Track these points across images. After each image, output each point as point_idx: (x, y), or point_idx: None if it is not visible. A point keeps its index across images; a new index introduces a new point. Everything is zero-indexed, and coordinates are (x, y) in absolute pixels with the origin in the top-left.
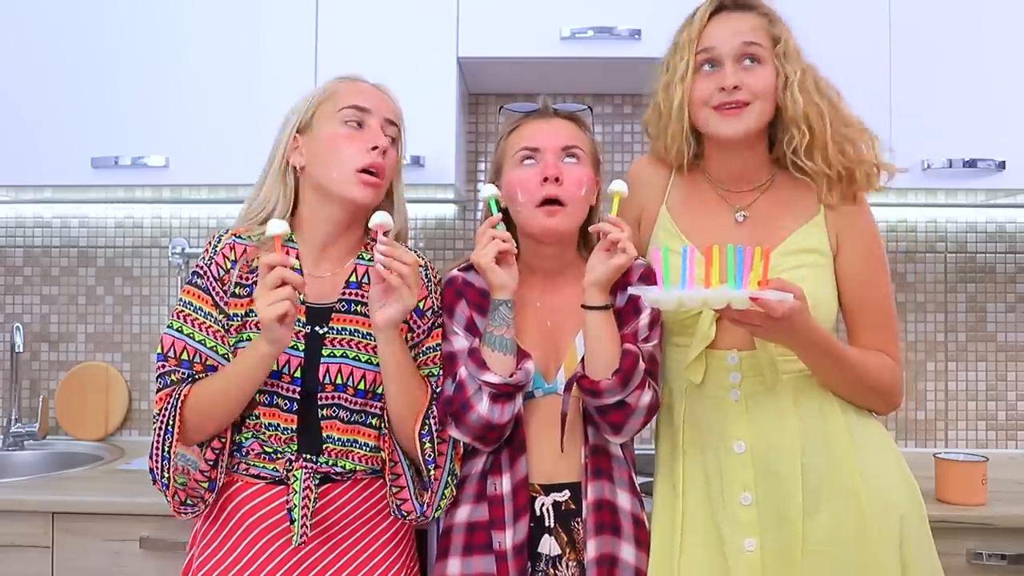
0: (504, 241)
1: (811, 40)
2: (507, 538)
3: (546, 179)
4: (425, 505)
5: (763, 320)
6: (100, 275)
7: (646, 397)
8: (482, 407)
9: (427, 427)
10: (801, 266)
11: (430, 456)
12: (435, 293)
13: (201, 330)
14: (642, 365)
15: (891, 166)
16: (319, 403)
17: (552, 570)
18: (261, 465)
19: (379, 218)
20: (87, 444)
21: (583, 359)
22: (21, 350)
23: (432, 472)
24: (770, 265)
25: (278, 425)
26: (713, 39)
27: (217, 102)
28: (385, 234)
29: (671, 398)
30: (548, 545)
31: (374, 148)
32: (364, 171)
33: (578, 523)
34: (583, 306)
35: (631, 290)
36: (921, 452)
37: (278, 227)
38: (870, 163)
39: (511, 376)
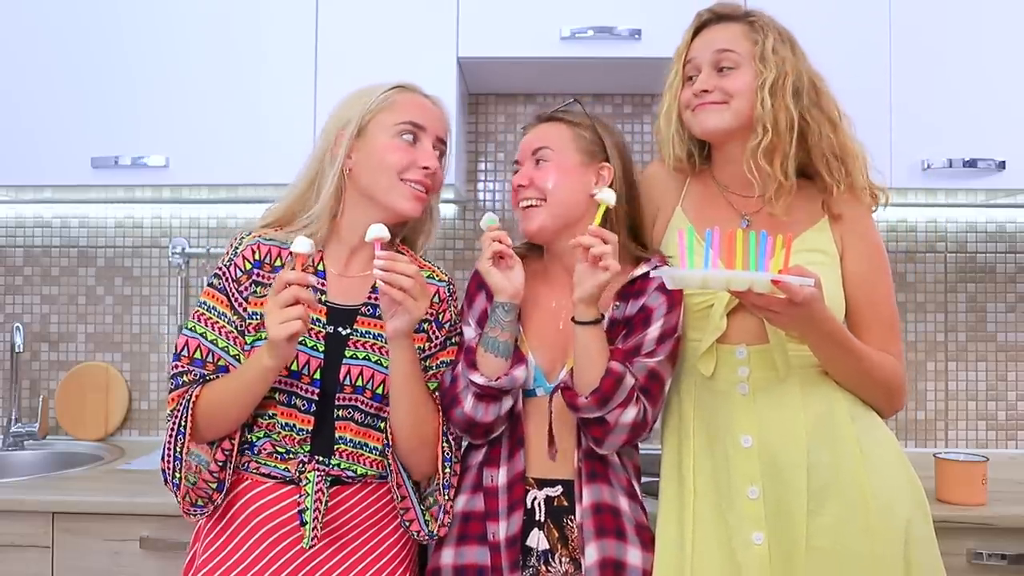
0: (500, 242)
1: (811, 40)
2: (500, 530)
3: (515, 189)
4: (434, 532)
5: (783, 306)
6: (100, 275)
7: (628, 415)
8: (467, 404)
9: (447, 451)
10: (810, 264)
11: (447, 481)
12: (455, 307)
13: (214, 330)
14: (628, 383)
15: (884, 189)
16: (336, 404)
17: (544, 566)
18: (272, 464)
19: (375, 231)
20: (87, 444)
21: (572, 369)
22: (21, 350)
23: (447, 499)
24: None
25: (294, 425)
26: (693, 51)
27: (217, 102)
28: (392, 247)
29: (679, 393)
30: (536, 539)
31: (424, 167)
32: (411, 184)
33: (571, 520)
34: (572, 320)
35: (653, 272)
36: (921, 452)
37: (304, 246)
38: (862, 187)
39: (496, 380)
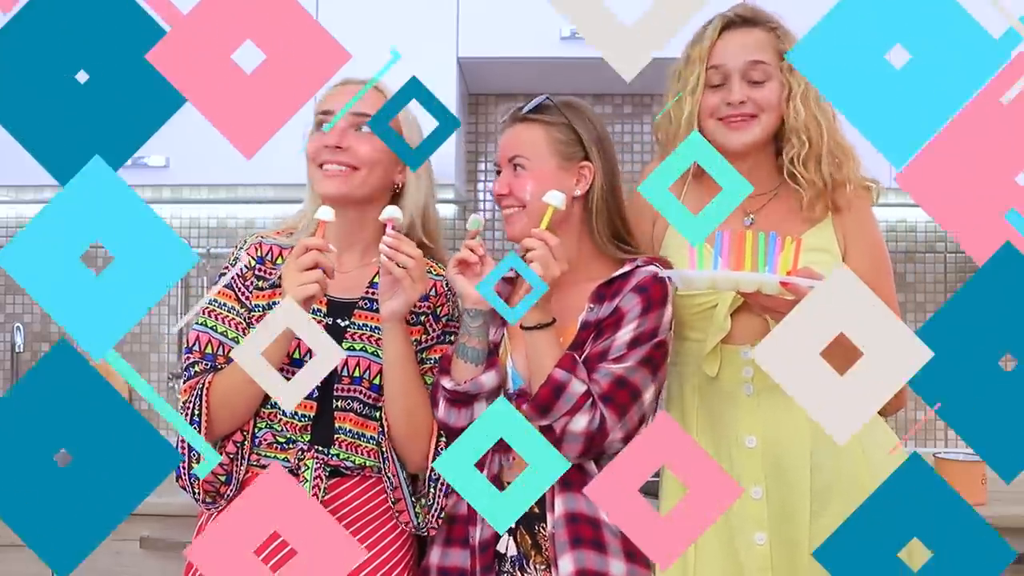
0: (473, 251)
1: None
2: (476, 533)
3: (496, 196)
4: (425, 525)
5: (791, 307)
6: None
7: (578, 424)
8: (440, 408)
9: (443, 447)
10: (814, 263)
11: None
12: (453, 302)
13: (223, 323)
14: (574, 391)
15: (876, 181)
16: (335, 394)
17: (519, 572)
18: (272, 455)
19: (388, 212)
20: None
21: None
22: (21, 350)
23: (444, 494)
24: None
25: (295, 412)
26: (722, 56)
27: None
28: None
29: (682, 393)
30: (505, 545)
31: (327, 146)
32: (325, 166)
33: (542, 528)
34: (520, 325)
35: (662, 273)
36: (921, 452)
37: (326, 213)
38: (858, 183)
39: (462, 384)
